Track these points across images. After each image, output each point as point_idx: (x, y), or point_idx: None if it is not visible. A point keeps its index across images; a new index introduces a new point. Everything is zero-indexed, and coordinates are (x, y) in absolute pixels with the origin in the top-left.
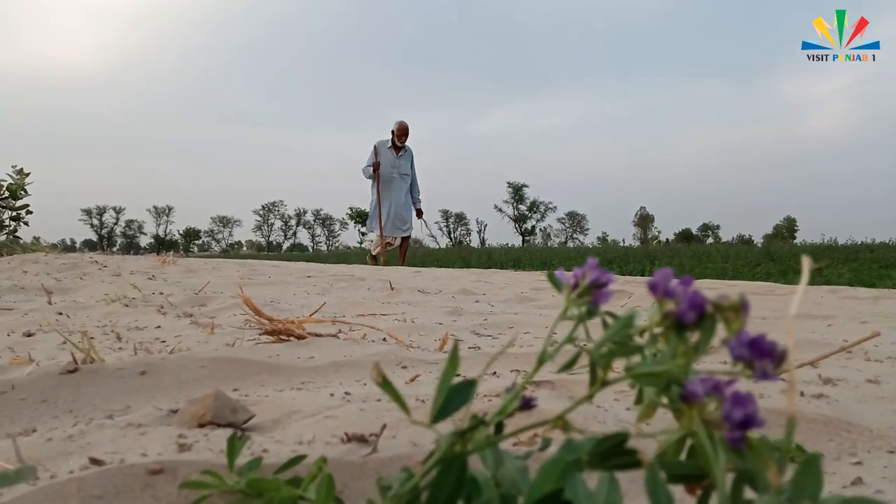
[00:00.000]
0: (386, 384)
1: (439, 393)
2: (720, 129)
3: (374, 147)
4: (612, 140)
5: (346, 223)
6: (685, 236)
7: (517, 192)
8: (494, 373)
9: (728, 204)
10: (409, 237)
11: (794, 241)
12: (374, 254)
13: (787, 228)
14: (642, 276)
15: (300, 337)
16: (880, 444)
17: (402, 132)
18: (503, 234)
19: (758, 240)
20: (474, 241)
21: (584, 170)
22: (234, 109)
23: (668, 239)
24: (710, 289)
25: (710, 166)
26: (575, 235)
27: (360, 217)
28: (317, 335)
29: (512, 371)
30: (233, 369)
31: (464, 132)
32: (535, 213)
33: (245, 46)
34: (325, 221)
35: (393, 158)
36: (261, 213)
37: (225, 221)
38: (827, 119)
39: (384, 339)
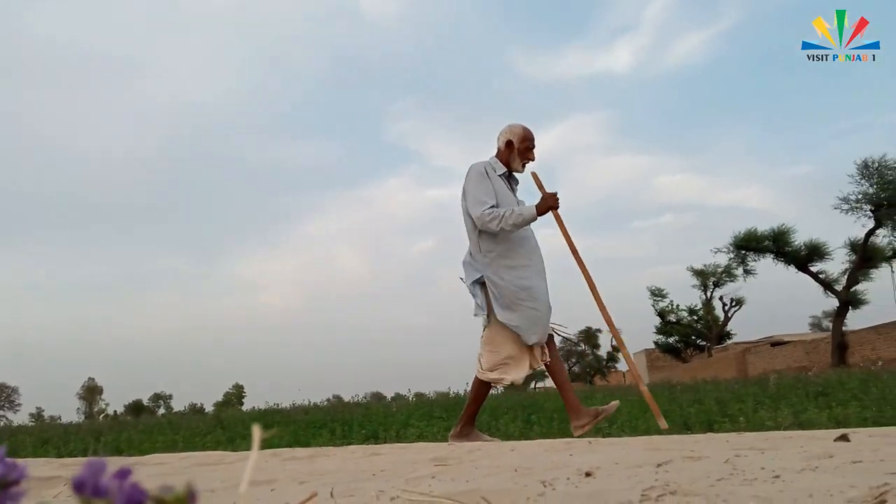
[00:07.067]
0: None
1: None
2: (180, 301)
3: (482, 170)
4: (57, 305)
5: None
6: (136, 408)
7: None
8: None
9: (181, 373)
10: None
11: (243, 408)
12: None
13: (237, 395)
14: (85, 455)
15: None
16: None
17: (529, 144)
18: None
19: (209, 407)
20: None
21: (18, 336)
22: None
23: (116, 412)
24: (161, 463)
25: (166, 336)
26: (2, 412)
27: None
28: None
29: None
30: None
31: None
32: None
33: None
34: None
35: (512, 197)
36: None
37: None
38: (272, 296)
39: None
